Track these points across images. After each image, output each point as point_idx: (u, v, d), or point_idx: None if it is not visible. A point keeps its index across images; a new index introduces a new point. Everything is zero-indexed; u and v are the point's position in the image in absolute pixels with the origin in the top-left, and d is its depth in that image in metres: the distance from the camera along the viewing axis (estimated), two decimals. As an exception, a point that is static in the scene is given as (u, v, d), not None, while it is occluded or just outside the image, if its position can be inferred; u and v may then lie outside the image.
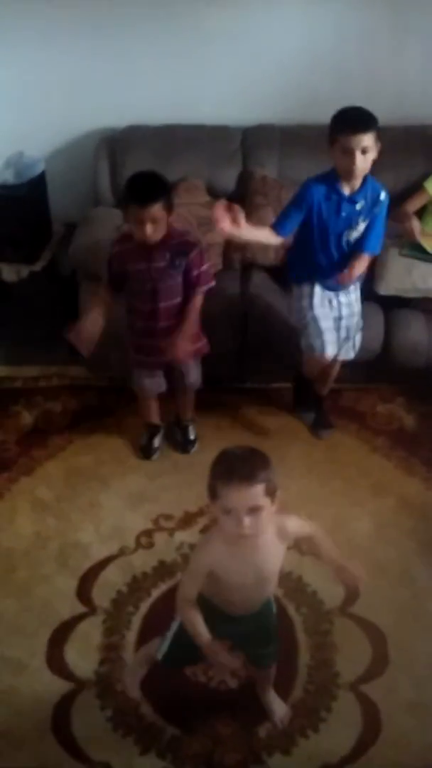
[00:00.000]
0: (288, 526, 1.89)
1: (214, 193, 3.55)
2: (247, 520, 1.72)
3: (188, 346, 2.80)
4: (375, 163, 2.67)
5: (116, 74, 3.56)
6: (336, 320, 2.94)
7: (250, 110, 3.64)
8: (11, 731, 2.22)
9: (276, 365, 3.36)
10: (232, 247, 3.41)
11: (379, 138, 2.61)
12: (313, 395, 3.22)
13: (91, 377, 3.46)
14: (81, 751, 2.16)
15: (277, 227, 2.79)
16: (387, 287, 3.20)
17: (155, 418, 3.13)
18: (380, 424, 3.28)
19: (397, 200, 3.41)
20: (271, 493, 1.75)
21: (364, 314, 3.20)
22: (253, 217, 3.38)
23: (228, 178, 3.58)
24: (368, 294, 3.21)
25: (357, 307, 3.00)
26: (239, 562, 1.85)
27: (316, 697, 2.30)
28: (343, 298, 2.94)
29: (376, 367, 3.30)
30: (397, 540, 2.77)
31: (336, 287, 2.90)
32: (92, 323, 2.72)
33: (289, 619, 2.49)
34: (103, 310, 2.75)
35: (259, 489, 1.71)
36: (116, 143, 3.57)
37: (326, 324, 2.92)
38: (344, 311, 2.95)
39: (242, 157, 3.58)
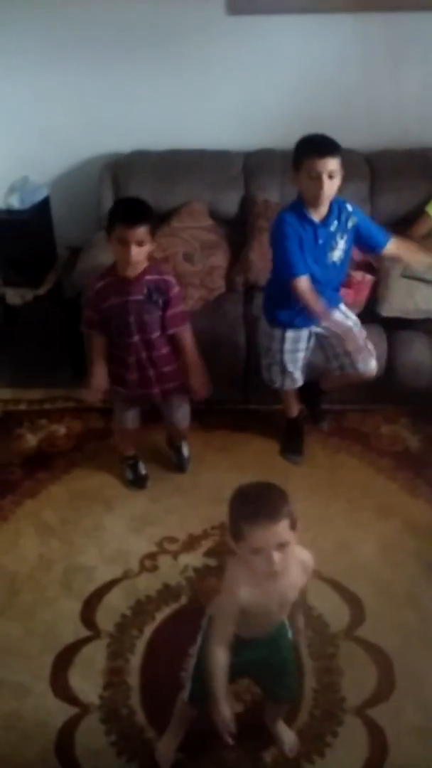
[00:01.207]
0: (305, 559, 1.90)
1: (216, 217, 3.58)
2: (276, 557, 1.71)
3: (203, 379, 2.82)
4: (374, 188, 2.69)
5: (120, 100, 3.61)
6: (328, 345, 2.96)
7: (251, 135, 3.68)
8: (15, 756, 2.20)
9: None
10: (234, 270, 3.43)
11: (343, 165, 2.60)
12: (312, 389, 3.21)
13: (96, 400, 3.47)
14: (85, 777, 2.15)
15: (300, 272, 2.70)
16: (390, 309, 3.21)
17: (130, 450, 3.12)
18: (384, 446, 3.27)
19: (400, 224, 3.45)
20: (293, 526, 1.75)
21: (368, 336, 3.22)
22: (255, 241, 3.42)
23: (230, 202, 3.62)
24: (371, 316, 3.23)
25: (352, 317, 2.97)
26: (267, 594, 1.83)
27: (322, 722, 2.28)
28: (327, 323, 2.86)
29: (380, 388, 3.30)
30: (402, 562, 2.75)
31: (314, 321, 2.86)
32: (98, 379, 2.77)
33: (295, 642, 2.46)
34: (102, 358, 2.77)
35: (284, 525, 1.71)
36: (120, 168, 3.60)
37: (292, 367, 2.96)
38: (330, 332, 2.91)
39: (244, 182, 3.62)
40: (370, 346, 2.96)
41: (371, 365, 2.96)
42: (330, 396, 3.27)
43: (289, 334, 2.90)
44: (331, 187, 2.60)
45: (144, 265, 2.64)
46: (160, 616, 2.57)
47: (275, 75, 3.59)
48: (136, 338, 2.71)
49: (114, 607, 2.60)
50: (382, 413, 3.41)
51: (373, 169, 3.56)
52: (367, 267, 3.31)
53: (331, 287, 2.86)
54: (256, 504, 1.73)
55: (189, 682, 2.08)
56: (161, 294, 2.68)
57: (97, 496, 3.02)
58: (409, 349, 3.22)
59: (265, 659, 2.02)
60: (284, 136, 3.62)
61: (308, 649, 2.45)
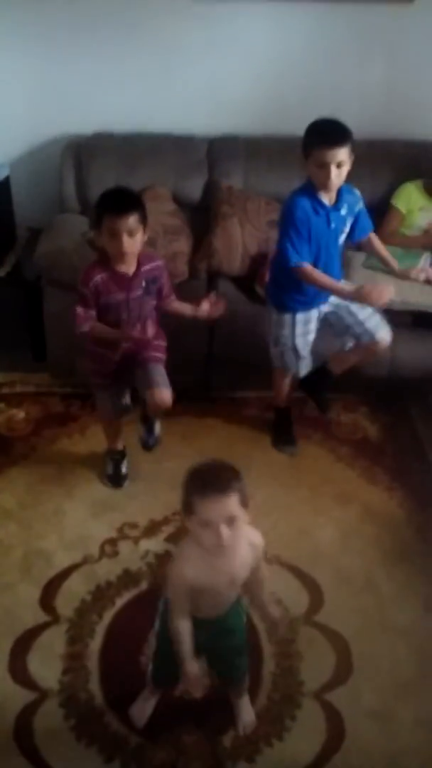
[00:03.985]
0: (255, 539, 1.93)
1: (179, 202, 3.56)
2: (225, 531, 1.73)
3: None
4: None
5: (83, 81, 3.56)
6: (337, 325, 2.95)
7: (216, 121, 3.67)
8: (-28, 742, 2.18)
9: (242, 374, 3.38)
10: (198, 256, 3.42)
11: (353, 150, 2.60)
12: (322, 375, 3.16)
13: (55, 384, 3.44)
14: (44, 761, 2.13)
15: (301, 260, 2.69)
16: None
17: (120, 443, 3.06)
18: (344, 434, 3.31)
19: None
20: (244, 503, 1.77)
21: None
22: (219, 227, 3.41)
23: (194, 188, 3.60)
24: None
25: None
26: (215, 571, 1.86)
27: (281, 706, 2.30)
28: (333, 299, 2.89)
29: (341, 377, 3.33)
30: (361, 548, 2.79)
31: (325, 298, 2.87)
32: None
33: (254, 627, 2.48)
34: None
35: (234, 499, 1.74)
36: (82, 150, 3.56)
37: (305, 351, 2.95)
38: (341, 308, 2.91)
39: (208, 167, 3.60)
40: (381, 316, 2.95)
41: (386, 332, 2.92)
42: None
43: (300, 316, 2.87)
44: (339, 176, 2.59)
45: (139, 248, 2.57)
46: (120, 602, 2.56)
47: (241, 61, 3.58)
48: (134, 331, 2.64)
49: (73, 592, 2.58)
50: (342, 402, 3.45)
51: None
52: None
53: (337, 265, 2.87)
54: (206, 478, 1.77)
55: (150, 666, 2.12)
56: (156, 282, 2.66)
57: (57, 481, 3.00)
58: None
59: (217, 640, 2.04)
60: (249, 123, 3.65)
61: (267, 633, 2.48)
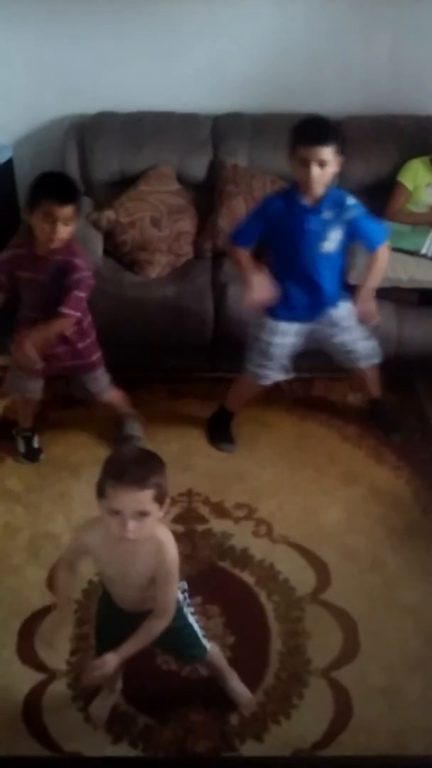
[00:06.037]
0: (164, 541, 1.84)
1: (184, 182, 3.54)
2: (131, 525, 1.70)
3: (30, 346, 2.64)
4: (347, 153, 2.65)
5: (86, 60, 3.54)
6: (325, 344, 2.90)
7: (220, 98, 3.63)
8: (-18, 722, 2.20)
9: (247, 354, 3.36)
10: (202, 235, 3.40)
11: (341, 152, 2.54)
12: (374, 406, 3.21)
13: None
14: (53, 741, 2.14)
15: (234, 238, 2.75)
16: (357, 277, 3.18)
17: (30, 421, 3.04)
18: (351, 414, 3.29)
19: (368, 191, 3.45)
20: (160, 499, 1.73)
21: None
22: (224, 207, 3.39)
23: (198, 167, 3.57)
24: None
25: (349, 321, 2.85)
26: (112, 556, 1.84)
27: (288, 684, 2.31)
28: (323, 320, 2.82)
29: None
30: (367, 528, 2.79)
31: (312, 315, 2.80)
32: None
33: (261, 606, 2.49)
34: None
35: (148, 494, 1.70)
36: (86, 130, 3.54)
37: (279, 359, 2.86)
38: (333, 331, 2.85)
39: (213, 146, 3.57)
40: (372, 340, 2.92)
41: (371, 360, 2.96)
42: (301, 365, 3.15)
43: (281, 325, 2.80)
44: (322, 175, 2.53)
45: (67, 239, 2.57)
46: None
47: (245, 37, 3.54)
48: (33, 315, 2.66)
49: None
50: (349, 382, 3.42)
51: (342, 136, 3.52)
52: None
53: (327, 280, 2.75)
54: (125, 466, 1.73)
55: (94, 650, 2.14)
56: (64, 276, 2.60)
57: (63, 464, 3.00)
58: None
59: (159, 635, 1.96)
60: (254, 100, 3.62)
61: (274, 612, 2.48)
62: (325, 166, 2.52)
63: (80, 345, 2.78)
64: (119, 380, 3.01)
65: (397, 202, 3.41)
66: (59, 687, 2.28)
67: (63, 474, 2.96)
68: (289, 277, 2.73)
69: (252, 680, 2.28)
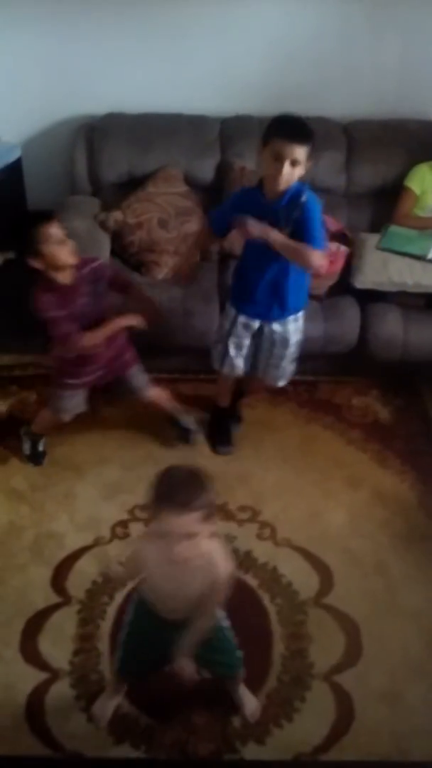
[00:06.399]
0: (217, 558, 1.85)
1: (191, 183, 3.54)
2: (179, 548, 1.71)
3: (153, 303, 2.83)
4: (351, 158, 2.59)
5: (96, 61, 3.54)
6: (260, 348, 2.86)
7: (228, 101, 3.63)
8: (-16, 721, 2.21)
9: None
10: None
11: (312, 157, 2.46)
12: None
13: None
14: (55, 741, 2.16)
15: (210, 224, 2.86)
16: (364, 281, 3.22)
17: (48, 432, 3.05)
18: (355, 417, 3.29)
19: (375, 195, 3.46)
20: (209, 518, 1.73)
21: (341, 308, 3.23)
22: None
23: (206, 169, 3.57)
24: (345, 288, 3.23)
25: (295, 338, 2.82)
26: (164, 574, 1.85)
27: (290, 687, 2.31)
28: (277, 327, 2.77)
29: (352, 360, 3.32)
30: (371, 532, 2.79)
31: (269, 316, 2.76)
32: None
33: (264, 609, 2.50)
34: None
35: (195, 516, 1.70)
36: (94, 131, 3.54)
37: (235, 351, 2.86)
38: (276, 339, 2.80)
39: (221, 148, 3.57)
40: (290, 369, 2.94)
41: (288, 377, 2.97)
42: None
43: (241, 318, 2.79)
44: (290, 174, 2.45)
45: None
46: (130, 583, 2.57)
47: (253, 40, 3.54)
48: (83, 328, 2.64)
49: (85, 573, 2.60)
50: (353, 385, 3.43)
51: (350, 139, 3.54)
52: (341, 238, 3.30)
53: (273, 266, 2.64)
54: (173, 488, 1.72)
55: (118, 654, 2.10)
56: (100, 281, 2.65)
57: (68, 464, 3.01)
58: (382, 322, 3.23)
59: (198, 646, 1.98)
60: (262, 103, 3.61)
61: (277, 615, 2.49)
62: (296, 166, 2.44)
63: (119, 341, 2.80)
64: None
65: (404, 206, 3.41)
66: (62, 687, 2.29)
67: (67, 474, 2.97)
68: (246, 271, 2.72)
69: (254, 683, 2.29)
